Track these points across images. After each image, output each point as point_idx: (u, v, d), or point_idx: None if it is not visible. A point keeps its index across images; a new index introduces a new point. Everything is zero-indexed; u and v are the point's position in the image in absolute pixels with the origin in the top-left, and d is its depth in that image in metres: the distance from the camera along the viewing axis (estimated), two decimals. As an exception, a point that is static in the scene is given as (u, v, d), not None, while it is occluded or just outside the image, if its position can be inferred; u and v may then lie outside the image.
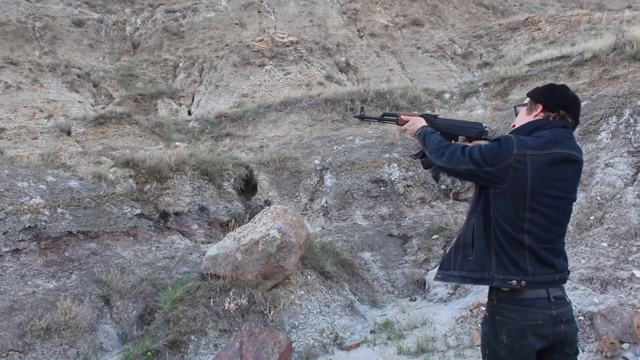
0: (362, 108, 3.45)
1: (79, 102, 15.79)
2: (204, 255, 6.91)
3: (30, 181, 8.00)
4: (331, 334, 6.13)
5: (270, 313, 6.11)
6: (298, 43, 19.10)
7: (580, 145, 2.58)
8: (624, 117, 8.49)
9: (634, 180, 7.35)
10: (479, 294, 6.29)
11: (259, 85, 17.21)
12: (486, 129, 2.89)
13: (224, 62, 18.48)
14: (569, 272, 2.62)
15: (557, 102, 2.55)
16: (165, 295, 6.39)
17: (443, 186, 10.05)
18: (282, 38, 19.24)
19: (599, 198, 7.23)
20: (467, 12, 24.01)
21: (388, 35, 21.53)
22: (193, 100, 17.43)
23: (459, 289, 6.95)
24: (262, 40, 19.08)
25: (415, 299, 7.29)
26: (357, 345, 5.94)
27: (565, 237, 2.64)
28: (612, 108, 8.82)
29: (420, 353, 5.46)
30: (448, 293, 7.01)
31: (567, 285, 5.40)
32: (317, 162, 10.59)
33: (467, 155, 2.49)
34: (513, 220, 2.43)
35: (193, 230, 9.01)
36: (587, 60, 12.62)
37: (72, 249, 7.42)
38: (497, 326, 2.48)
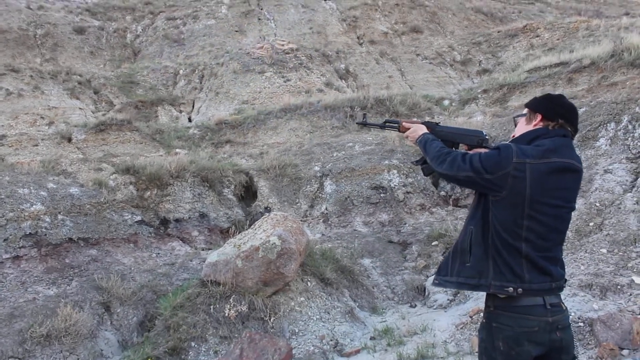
0: (364, 115, 3.49)
1: (80, 109, 15.83)
2: (204, 261, 6.93)
3: (31, 188, 8.02)
4: (331, 340, 6.14)
5: (270, 320, 6.12)
6: (298, 50, 19.17)
7: (579, 152, 2.62)
8: (623, 124, 8.52)
9: (633, 187, 7.37)
10: (479, 300, 6.30)
11: (259, 92, 17.26)
12: (487, 136, 2.91)
13: (224, 69, 18.53)
14: (565, 280, 2.64)
15: (556, 110, 2.58)
16: (165, 301, 6.40)
17: (443, 193, 10.07)
18: (282, 45, 19.31)
19: (598, 204, 7.25)
20: (466, 19, 24.10)
21: (387, 42, 21.61)
22: (193, 107, 17.47)
23: (458, 295, 6.96)
24: (262, 47, 19.15)
25: (415, 305, 7.30)
26: (357, 351, 5.94)
27: (565, 244, 2.67)
28: (611, 114, 8.85)
29: (420, 359, 5.47)
30: (448, 299, 7.01)
31: (566, 292, 5.41)
32: (317, 168, 10.61)
33: (467, 163, 2.51)
34: (511, 228, 2.45)
35: (193, 237, 9.03)
36: (585, 67, 12.67)
37: (72, 256, 7.43)
38: (494, 333, 2.50)
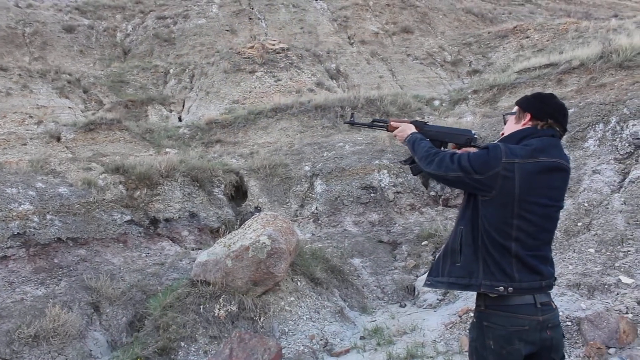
0: (352, 114, 3.48)
1: (69, 108, 15.74)
2: (194, 261, 6.90)
3: (19, 187, 7.96)
4: (321, 340, 6.14)
5: (260, 319, 6.11)
6: (289, 50, 19.16)
7: (568, 152, 2.63)
8: (611, 125, 8.59)
9: (621, 187, 7.43)
10: (468, 300, 6.33)
11: (250, 92, 17.23)
12: (475, 136, 2.91)
13: (214, 69, 18.49)
14: (555, 278, 2.65)
15: (546, 110, 2.59)
16: (155, 301, 6.37)
17: (432, 193, 10.10)
18: (273, 45, 19.29)
19: (586, 204, 7.30)
20: (456, 19, 24.20)
21: (378, 43, 21.66)
22: (184, 106, 17.42)
23: (448, 295, 6.98)
24: (253, 47, 19.13)
25: (405, 305, 7.31)
26: (347, 351, 5.95)
27: (554, 244, 2.68)
28: (599, 115, 8.92)
29: (409, 359, 5.48)
30: (437, 299, 7.04)
31: (554, 291, 5.44)
32: (307, 168, 10.61)
33: (455, 163, 2.51)
34: (501, 228, 2.46)
35: (183, 237, 9.00)
36: (574, 68, 12.75)
37: (61, 256, 7.37)
38: (485, 332, 2.51)
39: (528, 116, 2.61)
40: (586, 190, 7.60)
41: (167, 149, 12.87)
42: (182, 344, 5.72)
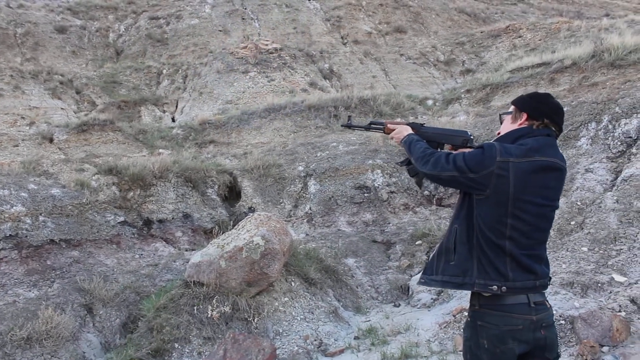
0: (349, 117, 3.50)
1: (62, 109, 15.67)
2: (187, 262, 6.88)
3: (12, 189, 7.91)
4: (315, 340, 6.13)
5: (254, 320, 6.10)
6: (282, 50, 19.14)
7: (560, 151, 2.63)
8: (603, 123, 8.63)
9: (613, 186, 7.46)
10: (462, 299, 6.34)
11: (243, 92, 17.20)
12: (471, 137, 2.93)
13: (207, 69, 18.45)
14: (550, 278, 2.65)
15: (542, 110, 2.60)
16: (148, 303, 6.35)
17: (426, 192, 10.11)
18: (266, 45, 19.27)
19: (579, 203, 7.33)
20: (449, 19, 24.24)
21: (371, 42, 21.67)
22: (177, 107, 17.37)
23: (442, 294, 6.99)
24: (246, 47, 19.10)
25: (399, 304, 7.32)
26: (341, 351, 5.95)
27: (547, 242, 2.69)
28: (592, 114, 8.96)
29: (403, 359, 5.49)
30: (431, 299, 7.04)
31: (548, 290, 5.46)
32: (301, 168, 10.60)
33: (451, 163, 2.53)
34: (495, 227, 2.46)
35: (177, 238, 8.97)
36: (567, 67, 12.79)
37: (54, 258, 7.33)
38: (479, 331, 2.51)
39: (524, 116, 2.62)
40: (579, 189, 7.63)
41: (161, 150, 12.83)
42: (176, 345, 5.71)
